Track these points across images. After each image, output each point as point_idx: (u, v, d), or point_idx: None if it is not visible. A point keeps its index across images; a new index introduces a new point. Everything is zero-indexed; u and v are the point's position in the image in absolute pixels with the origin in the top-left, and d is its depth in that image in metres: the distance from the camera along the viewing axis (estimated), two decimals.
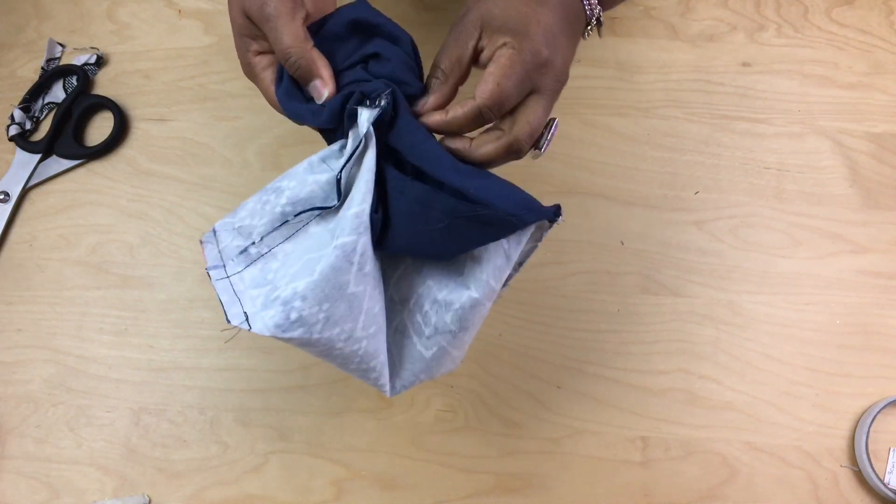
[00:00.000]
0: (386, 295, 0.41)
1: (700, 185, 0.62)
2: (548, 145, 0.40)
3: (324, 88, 0.39)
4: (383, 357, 0.40)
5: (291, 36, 0.38)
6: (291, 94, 0.40)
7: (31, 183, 0.62)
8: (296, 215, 0.38)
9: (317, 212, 0.38)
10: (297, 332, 0.34)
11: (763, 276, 0.59)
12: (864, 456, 0.53)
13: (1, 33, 0.68)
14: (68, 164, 0.62)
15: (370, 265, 0.36)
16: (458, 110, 0.38)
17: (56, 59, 0.67)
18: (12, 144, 0.63)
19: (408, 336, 0.41)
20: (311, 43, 0.39)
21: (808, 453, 0.55)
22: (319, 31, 0.40)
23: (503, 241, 0.37)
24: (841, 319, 0.58)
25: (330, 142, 0.40)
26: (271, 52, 0.41)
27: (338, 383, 0.56)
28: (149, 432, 0.55)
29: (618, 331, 0.58)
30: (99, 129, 0.65)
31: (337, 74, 0.40)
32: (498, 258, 0.37)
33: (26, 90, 0.65)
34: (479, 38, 0.39)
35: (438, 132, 0.39)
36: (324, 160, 0.38)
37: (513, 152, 0.39)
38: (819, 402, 0.56)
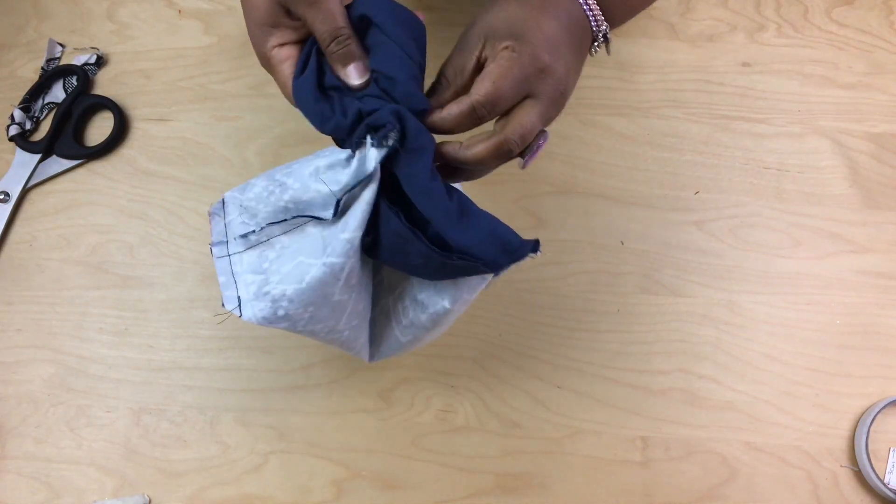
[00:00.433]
0: (379, 277, 0.45)
1: (700, 185, 0.62)
2: (532, 157, 0.40)
3: (361, 75, 0.39)
4: (364, 338, 0.45)
5: (342, 16, 0.39)
6: (309, 91, 0.40)
7: (31, 183, 0.62)
8: (294, 216, 0.39)
9: (313, 218, 0.39)
10: (282, 325, 0.38)
11: (763, 276, 0.59)
12: (864, 456, 0.53)
13: (1, 33, 0.68)
14: (68, 164, 0.62)
15: (357, 278, 0.39)
16: (452, 108, 0.39)
17: (56, 59, 0.67)
18: (12, 144, 0.63)
19: (388, 320, 0.45)
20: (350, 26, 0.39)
21: (808, 453, 0.55)
22: None
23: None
24: (841, 319, 0.58)
25: (336, 143, 0.41)
26: (292, 42, 0.41)
27: (338, 383, 0.56)
28: (149, 432, 0.55)
29: (618, 331, 0.58)
30: (99, 129, 0.65)
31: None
32: (474, 279, 0.39)
33: (26, 90, 0.65)
34: (483, 48, 0.39)
35: (433, 130, 0.39)
36: (329, 168, 0.38)
37: (503, 152, 0.38)
38: (819, 402, 0.56)
